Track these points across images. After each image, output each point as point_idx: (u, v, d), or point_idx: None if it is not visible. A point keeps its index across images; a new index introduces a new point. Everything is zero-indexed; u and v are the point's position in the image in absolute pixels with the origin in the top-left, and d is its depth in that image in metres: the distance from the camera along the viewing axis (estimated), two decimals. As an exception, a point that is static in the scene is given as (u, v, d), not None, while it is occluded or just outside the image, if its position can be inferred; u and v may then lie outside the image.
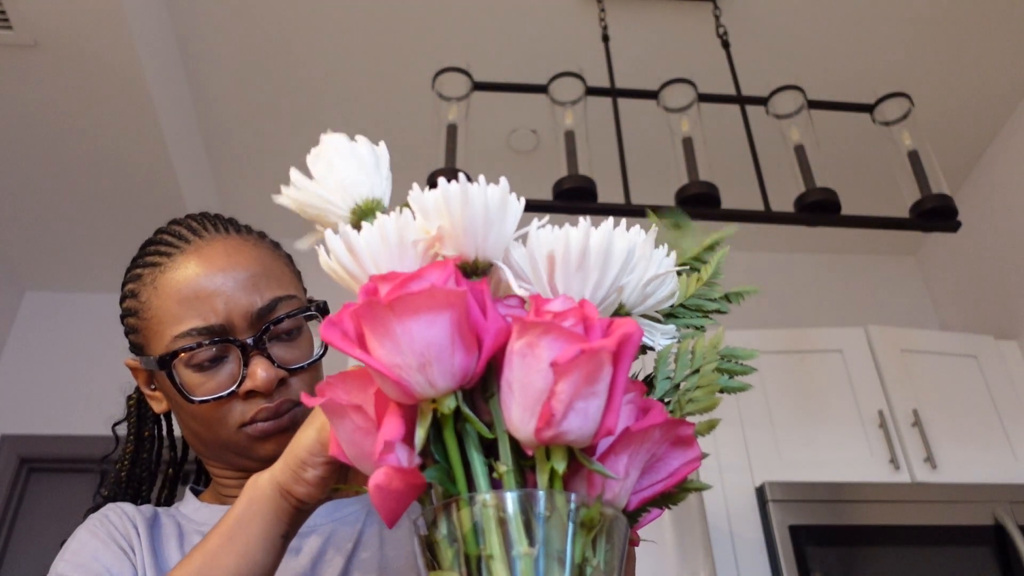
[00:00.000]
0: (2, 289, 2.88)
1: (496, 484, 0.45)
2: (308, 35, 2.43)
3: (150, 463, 0.89)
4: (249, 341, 0.74)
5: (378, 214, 0.51)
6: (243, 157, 2.78)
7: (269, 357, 0.74)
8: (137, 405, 0.89)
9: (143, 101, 2.29)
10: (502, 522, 0.42)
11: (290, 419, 0.75)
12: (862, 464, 2.19)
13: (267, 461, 0.75)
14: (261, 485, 0.58)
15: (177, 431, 0.90)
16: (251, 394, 0.74)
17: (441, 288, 0.42)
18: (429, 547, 0.45)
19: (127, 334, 0.82)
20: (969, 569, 2.03)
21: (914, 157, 1.82)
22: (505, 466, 0.44)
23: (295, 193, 0.53)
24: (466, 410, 0.45)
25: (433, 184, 0.48)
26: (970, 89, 2.67)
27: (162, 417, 0.90)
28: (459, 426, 0.45)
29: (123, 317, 0.82)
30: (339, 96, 2.61)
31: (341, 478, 0.59)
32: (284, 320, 0.76)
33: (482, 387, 0.47)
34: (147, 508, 0.79)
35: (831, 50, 2.52)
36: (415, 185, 0.49)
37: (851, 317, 2.86)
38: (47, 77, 2.22)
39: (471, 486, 0.45)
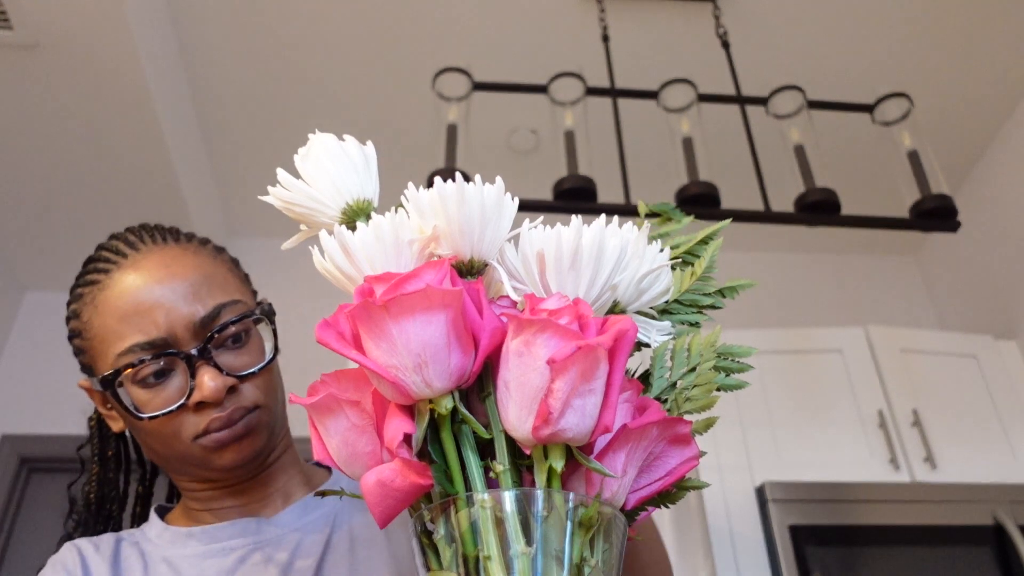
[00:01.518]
0: (2, 289, 2.88)
1: (494, 484, 0.45)
2: (309, 37, 2.43)
3: (118, 483, 0.88)
4: (194, 351, 0.72)
5: (373, 214, 0.51)
6: (243, 157, 2.78)
7: (216, 366, 0.72)
8: (98, 426, 0.88)
9: (144, 101, 2.29)
10: (500, 522, 0.42)
11: (244, 426, 0.74)
12: (862, 464, 2.18)
13: (228, 470, 0.75)
14: None
15: None
16: (202, 405, 0.72)
17: (436, 288, 0.42)
18: (427, 547, 0.45)
19: (75, 355, 0.80)
20: (969, 569, 2.03)
21: (914, 157, 1.82)
22: (502, 465, 0.44)
23: (283, 193, 0.52)
24: (463, 410, 0.45)
25: (431, 184, 0.48)
26: (970, 89, 2.67)
27: (123, 441, 0.89)
28: (456, 426, 0.45)
29: (70, 339, 0.80)
30: (339, 96, 2.61)
31: None
32: (229, 326, 0.74)
33: (478, 387, 0.47)
34: (108, 542, 0.77)
35: (831, 50, 2.52)
36: (411, 184, 0.49)
37: (851, 317, 2.86)
38: (48, 77, 2.22)
39: (469, 486, 0.45)
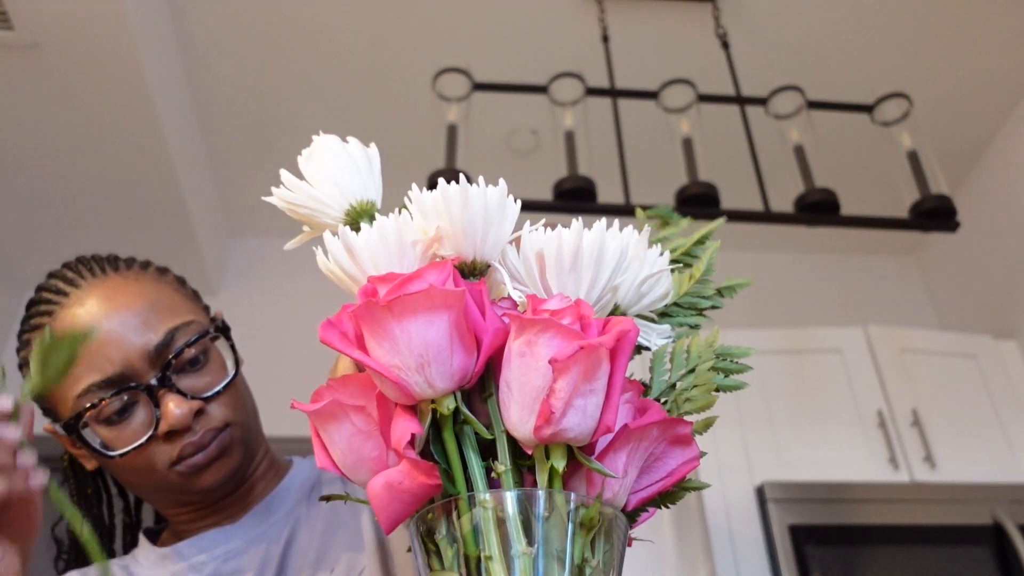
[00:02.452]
0: (2, 289, 2.88)
1: (495, 484, 0.45)
2: (308, 36, 2.43)
3: (102, 517, 0.86)
4: (154, 381, 0.71)
5: (376, 215, 0.51)
6: (244, 157, 2.78)
7: (179, 391, 0.71)
8: (71, 465, 0.85)
9: (144, 102, 2.29)
10: (501, 522, 0.42)
11: (218, 447, 0.73)
12: (861, 464, 2.19)
13: (208, 492, 0.74)
14: None
15: None
16: (172, 433, 0.71)
17: (439, 289, 0.42)
18: (429, 548, 0.45)
19: (35, 402, 0.77)
20: (968, 569, 2.03)
21: (913, 157, 1.82)
22: (503, 466, 0.44)
23: (286, 194, 0.53)
24: (465, 410, 0.45)
25: (433, 185, 0.48)
26: (970, 89, 2.67)
27: (99, 477, 0.87)
28: (458, 427, 0.46)
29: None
30: (339, 96, 2.61)
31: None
32: (185, 350, 0.73)
33: (480, 387, 0.47)
34: (94, 573, 0.77)
35: (831, 50, 2.52)
36: (414, 185, 0.49)
37: (850, 317, 2.86)
38: (48, 78, 2.22)
39: (471, 486, 0.45)
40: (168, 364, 0.71)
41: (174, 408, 0.70)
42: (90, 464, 0.79)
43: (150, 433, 0.71)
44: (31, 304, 0.79)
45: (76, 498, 0.85)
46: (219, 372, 0.76)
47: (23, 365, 0.78)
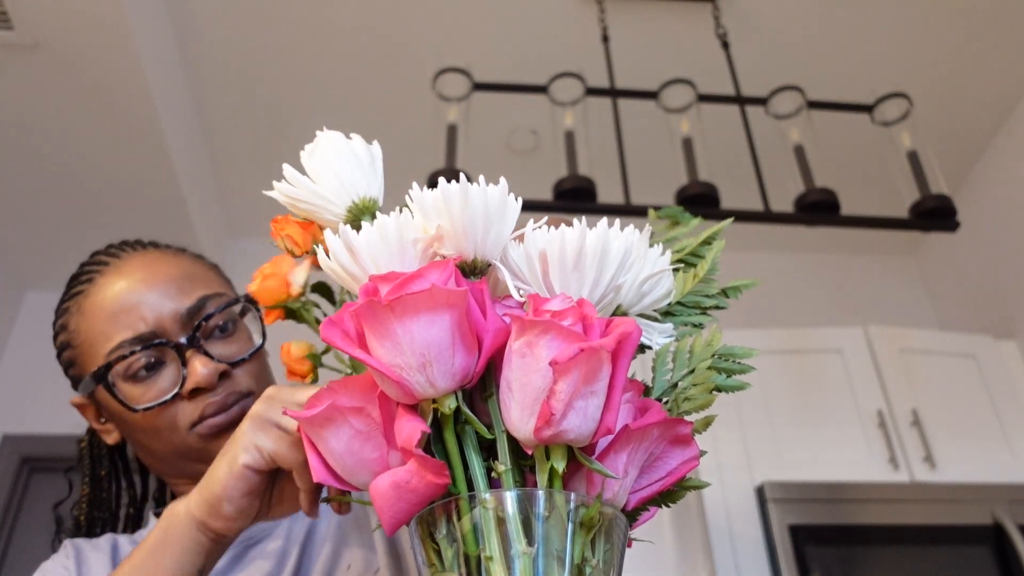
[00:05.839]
0: (2, 289, 2.88)
1: (496, 484, 0.45)
2: (308, 36, 2.43)
3: (109, 502, 0.87)
4: (183, 340, 0.73)
5: (378, 213, 0.51)
6: (244, 158, 2.78)
7: (207, 353, 0.73)
8: (89, 446, 0.87)
9: (144, 102, 2.29)
10: (501, 522, 0.42)
11: (240, 410, 0.74)
12: (861, 464, 2.19)
13: None
14: (177, 516, 0.57)
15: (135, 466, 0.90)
16: (196, 393, 0.73)
17: (441, 288, 0.42)
18: (429, 547, 0.45)
19: (67, 371, 0.80)
20: (968, 569, 2.03)
21: (913, 157, 1.82)
22: (504, 465, 0.44)
23: (288, 189, 0.52)
24: (466, 410, 0.45)
25: (433, 184, 0.48)
26: (970, 89, 2.67)
27: (116, 458, 0.88)
28: (458, 426, 0.46)
29: (59, 355, 0.80)
30: (339, 97, 2.61)
31: (264, 504, 0.57)
32: (215, 315, 0.75)
33: (481, 387, 0.47)
34: (105, 540, 0.77)
35: (831, 50, 2.52)
36: (415, 184, 0.49)
37: (850, 317, 2.86)
38: (48, 78, 2.22)
39: (471, 486, 0.45)
40: (198, 326, 0.74)
41: (200, 367, 0.72)
42: (112, 438, 0.81)
43: (175, 391, 0.72)
44: (72, 278, 0.82)
45: (88, 480, 0.86)
46: (246, 342, 0.78)
47: (59, 333, 0.80)
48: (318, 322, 0.53)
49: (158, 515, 0.82)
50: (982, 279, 2.89)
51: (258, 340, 0.79)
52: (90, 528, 0.86)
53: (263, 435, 0.54)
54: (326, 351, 0.53)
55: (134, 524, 0.89)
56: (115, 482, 0.88)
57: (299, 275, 0.52)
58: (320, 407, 0.45)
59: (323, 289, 0.55)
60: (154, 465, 0.80)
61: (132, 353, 0.72)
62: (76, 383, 0.79)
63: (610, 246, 0.46)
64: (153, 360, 0.73)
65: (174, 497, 0.88)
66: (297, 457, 0.53)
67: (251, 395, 0.76)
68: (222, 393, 0.73)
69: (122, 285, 0.75)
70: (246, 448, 0.54)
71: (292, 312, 0.53)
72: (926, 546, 2.05)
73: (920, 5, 2.42)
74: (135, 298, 0.74)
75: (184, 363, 0.72)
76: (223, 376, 0.74)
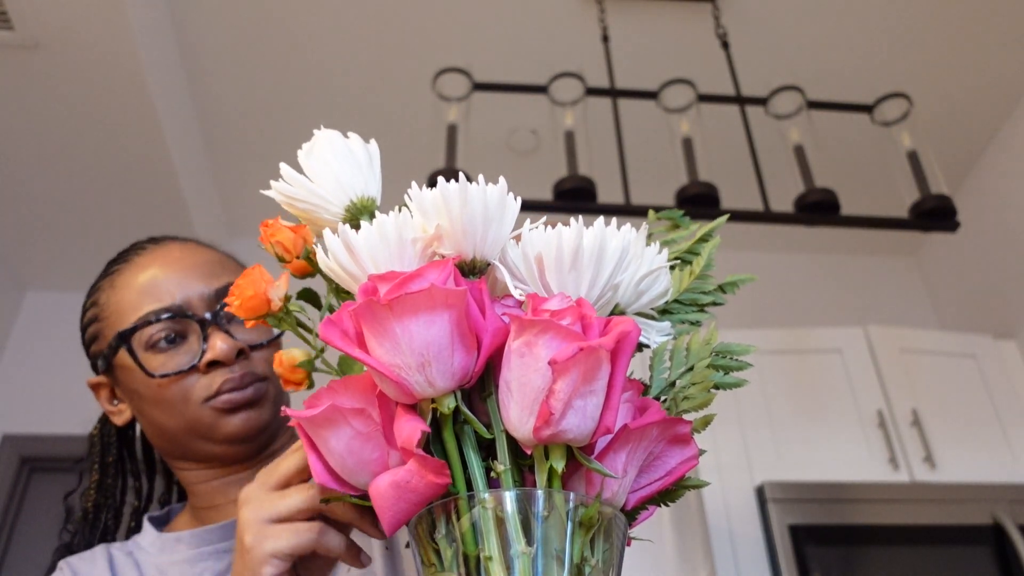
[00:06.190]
0: (2, 289, 2.88)
1: (495, 484, 0.45)
2: (308, 36, 2.43)
3: (115, 490, 0.88)
4: (207, 316, 0.76)
5: (376, 213, 0.51)
6: (243, 157, 2.78)
7: (228, 332, 0.76)
8: (100, 435, 0.89)
9: (144, 101, 2.29)
10: (500, 521, 0.42)
11: (254, 392, 0.76)
12: (861, 464, 2.19)
13: (232, 441, 0.76)
14: None
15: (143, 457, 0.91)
16: (213, 367, 0.75)
17: (441, 288, 0.42)
18: (428, 547, 0.45)
19: (89, 348, 0.83)
20: (968, 569, 2.03)
21: (913, 157, 1.82)
22: (503, 465, 0.44)
23: (285, 188, 0.52)
24: (465, 410, 0.45)
25: (433, 184, 0.48)
26: (970, 89, 2.67)
27: (123, 446, 0.89)
28: (457, 426, 0.46)
29: (84, 331, 0.83)
30: (339, 97, 2.61)
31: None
32: None
33: (480, 387, 0.47)
34: (101, 555, 0.77)
35: (831, 50, 2.52)
36: (414, 184, 0.49)
37: (850, 317, 2.86)
38: (48, 78, 2.22)
39: (471, 485, 0.45)
40: (223, 306, 0.76)
41: (220, 342, 0.75)
42: (122, 418, 0.83)
43: (194, 362, 0.75)
44: (109, 262, 0.86)
45: (98, 466, 0.88)
46: (266, 332, 0.81)
47: (88, 308, 0.83)
48: (302, 327, 0.53)
49: (153, 521, 0.83)
50: (982, 279, 2.88)
51: (276, 331, 0.81)
52: (96, 516, 0.87)
53: (271, 540, 0.51)
54: (319, 354, 0.53)
55: (137, 521, 0.89)
56: (121, 475, 0.89)
57: (278, 291, 0.52)
58: (320, 408, 0.45)
59: (309, 296, 0.55)
60: (161, 445, 0.81)
61: (158, 320, 0.75)
62: (95, 362, 0.82)
63: (607, 245, 0.46)
64: (175, 333, 0.76)
65: (181, 498, 0.89)
66: (312, 537, 0.51)
67: (266, 380, 0.78)
68: (239, 372, 0.76)
69: (156, 265, 0.79)
70: (263, 561, 0.51)
71: (277, 320, 0.54)
72: (926, 546, 2.05)
73: (920, 5, 2.42)
74: (166, 276, 0.78)
75: (205, 339, 0.75)
76: (240, 356, 0.76)
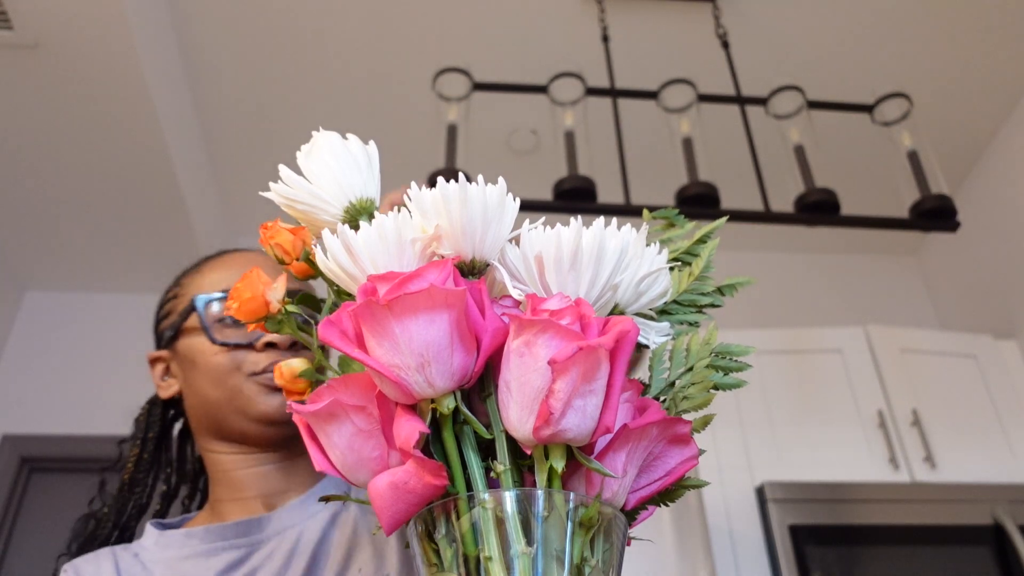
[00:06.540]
0: (2, 289, 2.88)
1: (495, 484, 0.45)
2: (308, 36, 2.43)
3: (152, 465, 0.92)
4: None
5: (375, 213, 0.51)
6: (244, 158, 2.78)
7: None
8: (147, 416, 0.93)
9: (144, 102, 2.29)
10: (500, 522, 0.42)
11: None
12: (861, 464, 2.19)
13: (265, 422, 0.81)
14: None
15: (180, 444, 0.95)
16: (267, 348, 0.81)
17: (440, 288, 0.42)
18: (428, 547, 0.45)
19: (159, 323, 0.90)
20: (968, 569, 2.03)
21: (913, 157, 1.82)
22: (503, 465, 0.44)
23: (284, 189, 0.52)
24: (465, 410, 0.45)
25: (433, 184, 0.48)
26: (970, 89, 2.67)
27: (169, 444, 0.93)
28: (457, 426, 0.45)
29: (160, 308, 0.90)
30: (339, 97, 2.61)
31: None
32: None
33: (480, 387, 0.47)
34: (106, 558, 0.78)
35: (831, 50, 2.52)
36: (413, 184, 0.49)
37: (851, 317, 2.86)
38: (48, 78, 2.22)
39: (470, 486, 0.45)
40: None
41: None
42: (169, 391, 0.89)
43: (252, 340, 0.82)
44: (201, 259, 0.94)
45: (140, 442, 0.92)
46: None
47: (170, 290, 0.91)
48: (300, 328, 0.53)
49: (160, 525, 0.83)
50: (982, 279, 2.88)
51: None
52: (131, 489, 0.91)
53: None
54: (318, 363, 0.53)
55: (164, 507, 0.93)
56: (158, 455, 0.93)
57: (276, 293, 0.52)
58: (324, 402, 0.45)
59: (308, 300, 0.56)
60: (199, 419, 0.86)
61: (226, 293, 0.82)
62: (161, 336, 0.89)
63: (606, 245, 0.46)
64: None
65: (203, 499, 0.93)
66: None
67: None
68: (288, 357, 0.79)
69: (239, 263, 0.89)
70: None
71: (277, 322, 0.54)
72: (926, 546, 2.05)
73: (920, 5, 2.42)
74: (243, 270, 0.82)
75: None
76: (293, 347, 0.82)
